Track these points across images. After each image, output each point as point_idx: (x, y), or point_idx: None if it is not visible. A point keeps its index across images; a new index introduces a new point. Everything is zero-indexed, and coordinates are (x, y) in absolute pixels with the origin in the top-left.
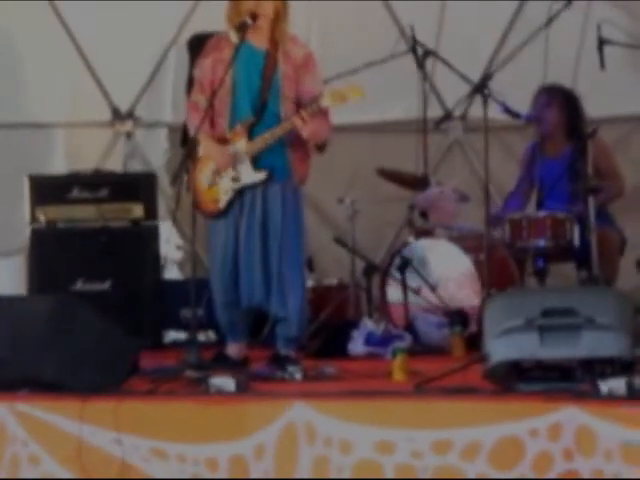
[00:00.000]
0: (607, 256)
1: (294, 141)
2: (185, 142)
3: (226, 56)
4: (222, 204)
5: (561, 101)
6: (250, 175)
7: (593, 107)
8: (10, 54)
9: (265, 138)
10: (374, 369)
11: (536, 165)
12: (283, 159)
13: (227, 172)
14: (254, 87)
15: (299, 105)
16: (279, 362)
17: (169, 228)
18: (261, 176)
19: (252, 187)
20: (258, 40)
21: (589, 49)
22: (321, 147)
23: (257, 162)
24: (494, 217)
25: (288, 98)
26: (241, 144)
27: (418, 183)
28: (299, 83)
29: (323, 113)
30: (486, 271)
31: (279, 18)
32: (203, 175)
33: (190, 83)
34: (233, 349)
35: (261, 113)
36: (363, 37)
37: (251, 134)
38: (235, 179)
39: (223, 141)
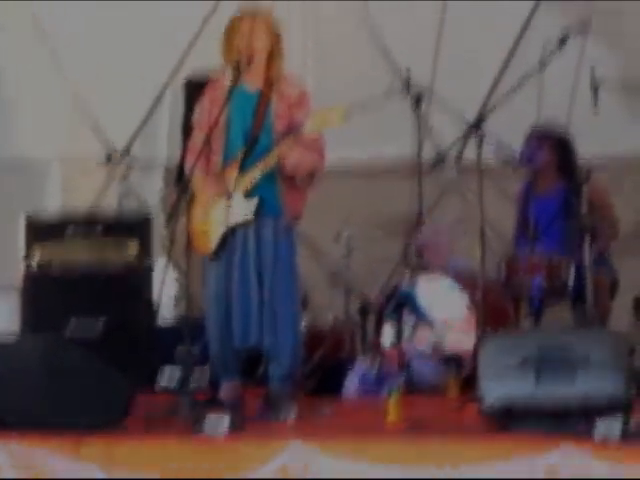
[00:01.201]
0: (596, 298)
1: (285, 177)
2: (180, 182)
3: (221, 97)
4: (215, 241)
5: (553, 142)
6: (241, 208)
7: (587, 147)
8: (6, 92)
9: (253, 173)
10: (369, 409)
11: (529, 204)
12: (274, 194)
13: (220, 208)
14: (247, 125)
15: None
16: (273, 402)
17: (164, 267)
18: (251, 206)
19: (245, 223)
20: (253, 79)
21: (583, 90)
22: (307, 179)
23: (248, 197)
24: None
25: (280, 135)
26: (232, 179)
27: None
28: (292, 120)
29: (310, 145)
30: (482, 311)
31: (273, 55)
32: (197, 213)
33: (186, 123)
34: (227, 389)
35: (252, 149)
36: (358, 77)
37: (242, 170)
38: (227, 215)
39: (218, 177)
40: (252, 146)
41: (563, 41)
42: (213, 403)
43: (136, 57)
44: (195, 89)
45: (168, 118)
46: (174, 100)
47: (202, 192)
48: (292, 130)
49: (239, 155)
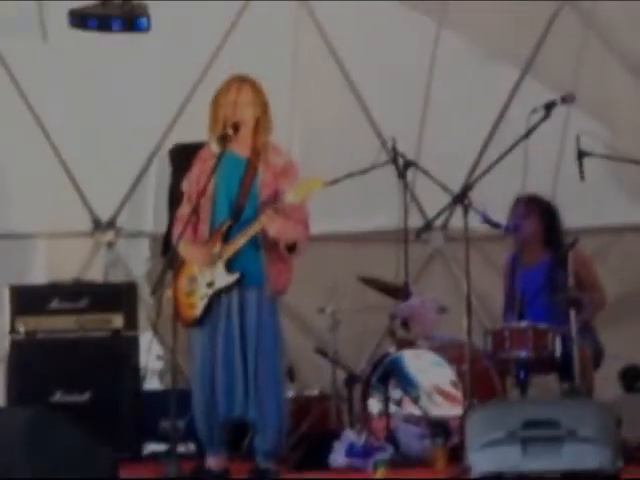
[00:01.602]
0: (580, 369)
1: (269, 248)
2: (166, 252)
3: (209, 166)
4: (198, 311)
5: (539, 211)
6: (223, 278)
7: (572, 217)
8: None
9: (237, 241)
10: None
11: (517, 275)
12: (257, 264)
13: (204, 278)
14: (233, 193)
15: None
16: (259, 476)
17: (150, 338)
18: (233, 278)
19: (227, 292)
20: (240, 148)
21: (568, 160)
22: (291, 248)
23: (231, 267)
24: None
25: (262, 203)
26: (216, 249)
27: (399, 293)
28: (278, 191)
29: (294, 215)
30: (468, 382)
31: (259, 127)
32: (182, 283)
33: (172, 193)
34: (213, 462)
35: (237, 218)
36: (345, 147)
37: (227, 239)
38: (210, 284)
39: (202, 248)
40: (237, 215)
41: (548, 109)
42: (199, 474)
43: (122, 127)
44: (182, 156)
45: (154, 186)
46: (160, 168)
47: (187, 263)
48: (276, 199)
49: (223, 225)
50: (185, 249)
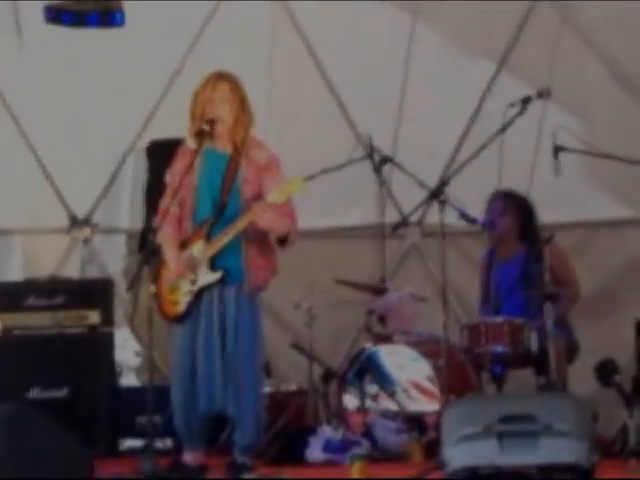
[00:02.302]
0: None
1: (250, 243)
2: (143, 248)
3: (192, 162)
4: (181, 307)
5: (516, 207)
6: (206, 276)
7: (548, 213)
8: None
9: (222, 238)
10: (332, 476)
11: (491, 269)
12: (238, 262)
13: (187, 274)
14: (215, 190)
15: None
16: (235, 470)
17: (126, 334)
18: (216, 276)
19: (209, 289)
20: (222, 144)
21: (544, 155)
22: (283, 241)
23: (214, 264)
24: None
25: (248, 201)
26: (199, 246)
27: (375, 289)
28: (261, 185)
29: (281, 209)
30: (445, 377)
31: (238, 123)
32: (165, 279)
33: (148, 189)
34: (190, 456)
35: (220, 215)
36: (320, 143)
37: (210, 236)
38: (193, 281)
39: (184, 244)
40: (220, 213)
41: (524, 104)
42: (176, 470)
43: (98, 124)
44: (158, 152)
45: (131, 183)
46: (137, 164)
47: (169, 259)
48: (261, 195)
49: (206, 222)
50: (165, 248)
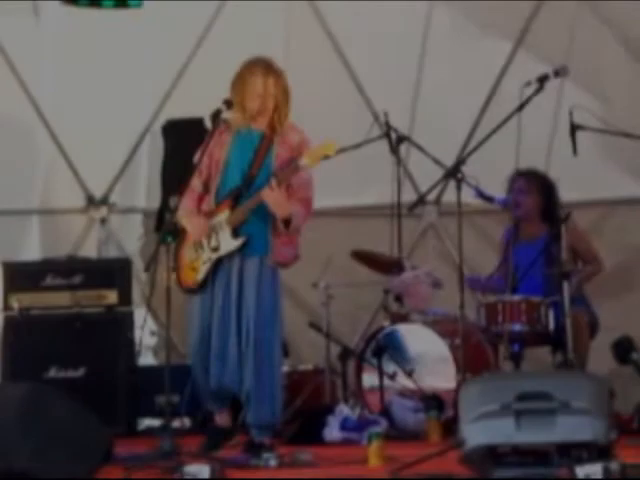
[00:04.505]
0: (575, 338)
1: (276, 220)
2: (160, 227)
3: (224, 139)
4: (201, 275)
5: (539, 187)
6: (229, 243)
7: (566, 191)
8: None
9: (242, 208)
10: (350, 455)
11: (512, 249)
12: (263, 234)
13: (209, 243)
14: (245, 163)
15: (288, 187)
16: (254, 449)
17: (144, 314)
18: (238, 242)
19: (229, 259)
20: (258, 125)
21: (561, 133)
22: (286, 222)
23: (238, 232)
24: (471, 279)
25: (275, 173)
26: (224, 214)
27: (392, 267)
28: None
29: (299, 194)
30: (462, 355)
31: (279, 113)
32: (186, 250)
33: (165, 169)
34: (221, 417)
35: (248, 186)
36: (337, 122)
37: (235, 207)
38: (215, 249)
39: (208, 215)
40: (248, 184)
41: (542, 82)
42: (213, 433)
43: (115, 104)
44: (174, 132)
45: (147, 163)
46: (153, 144)
47: (189, 226)
48: (289, 164)
49: (234, 192)
50: (185, 219)
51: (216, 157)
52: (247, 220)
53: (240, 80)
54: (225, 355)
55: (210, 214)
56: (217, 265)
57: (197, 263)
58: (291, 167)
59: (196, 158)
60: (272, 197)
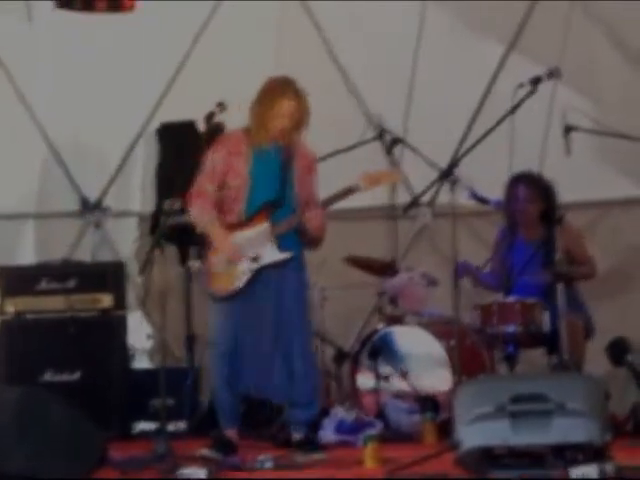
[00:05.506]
0: (571, 342)
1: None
2: (154, 231)
3: (242, 149)
4: (239, 283)
5: (541, 193)
6: (272, 254)
7: (559, 193)
8: None
9: (286, 223)
10: (345, 457)
11: (507, 248)
12: (299, 251)
13: (246, 252)
14: (272, 178)
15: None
16: (306, 446)
17: (138, 317)
18: (285, 256)
19: (267, 270)
20: (274, 140)
21: (555, 135)
22: (315, 242)
23: (280, 248)
24: (462, 265)
25: (297, 192)
26: (262, 226)
27: (387, 269)
28: (304, 182)
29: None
30: (457, 357)
31: (299, 129)
32: (218, 257)
33: (159, 172)
34: (230, 434)
35: (282, 199)
36: (331, 124)
37: (272, 220)
38: (255, 259)
39: (239, 226)
40: (281, 198)
41: (535, 84)
42: (221, 446)
43: (108, 107)
44: (169, 135)
45: (142, 166)
46: (147, 147)
47: (219, 239)
48: (301, 193)
49: (267, 205)
50: (214, 231)
51: (236, 168)
52: (283, 235)
53: (268, 98)
54: (259, 361)
55: (241, 226)
56: (256, 275)
57: (234, 271)
58: (347, 190)
59: (207, 163)
60: (317, 219)
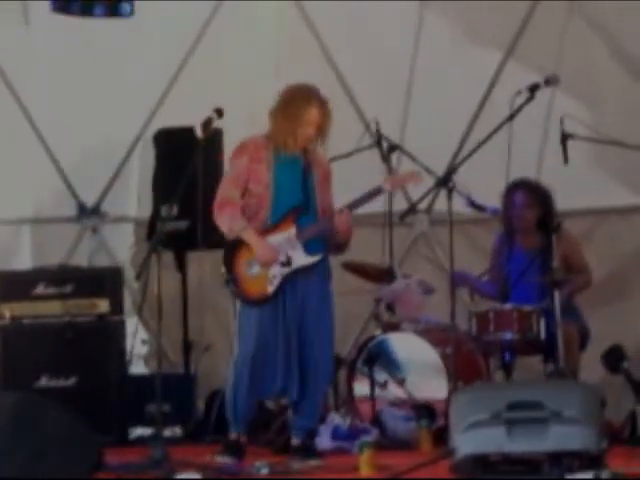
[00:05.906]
0: (566, 350)
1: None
2: (151, 236)
3: (263, 156)
4: (272, 288)
5: (540, 200)
6: (302, 258)
7: (557, 200)
8: None
9: (314, 228)
10: (341, 464)
11: (505, 255)
12: (325, 258)
13: (278, 257)
14: (296, 183)
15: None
16: (306, 452)
17: (135, 323)
18: (314, 259)
19: (295, 274)
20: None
21: (552, 142)
22: (342, 247)
23: (309, 252)
24: (459, 275)
25: (319, 198)
26: (290, 232)
27: (384, 276)
28: (323, 189)
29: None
30: (453, 364)
31: (322, 136)
32: (246, 261)
33: (156, 178)
34: (242, 439)
35: (307, 205)
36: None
37: (300, 226)
38: (285, 264)
39: (265, 232)
40: (307, 204)
41: (532, 91)
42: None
43: (106, 113)
44: (166, 141)
45: (138, 171)
46: (144, 153)
47: (264, 243)
48: (328, 201)
49: (294, 211)
50: (253, 239)
51: (259, 175)
52: (310, 241)
53: (295, 106)
54: (283, 364)
55: (268, 231)
56: (286, 279)
57: (264, 275)
58: (372, 192)
59: (232, 170)
60: (345, 222)
